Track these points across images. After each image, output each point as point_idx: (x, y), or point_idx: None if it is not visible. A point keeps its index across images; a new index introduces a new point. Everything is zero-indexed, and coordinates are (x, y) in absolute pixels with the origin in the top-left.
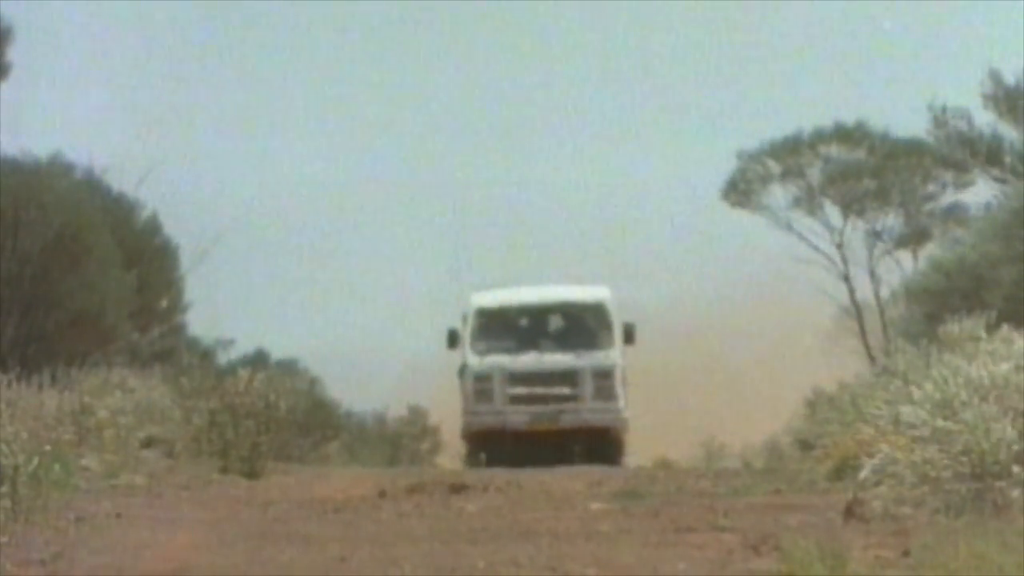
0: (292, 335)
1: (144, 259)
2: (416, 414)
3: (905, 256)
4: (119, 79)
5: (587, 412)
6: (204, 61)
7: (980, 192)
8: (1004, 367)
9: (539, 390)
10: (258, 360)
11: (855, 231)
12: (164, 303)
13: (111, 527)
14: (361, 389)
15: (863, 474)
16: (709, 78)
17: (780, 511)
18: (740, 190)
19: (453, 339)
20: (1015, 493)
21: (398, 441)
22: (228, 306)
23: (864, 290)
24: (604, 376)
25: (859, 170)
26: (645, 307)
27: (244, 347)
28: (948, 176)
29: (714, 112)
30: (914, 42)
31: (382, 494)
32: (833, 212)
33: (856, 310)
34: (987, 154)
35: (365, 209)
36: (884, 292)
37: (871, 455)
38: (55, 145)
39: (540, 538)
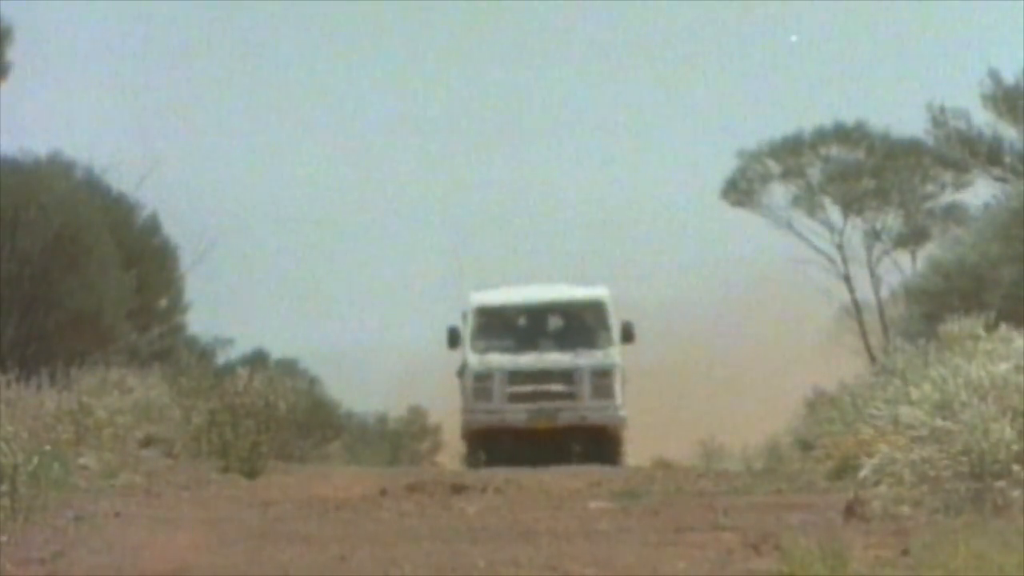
0: (291, 335)
1: (143, 259)
2: (416, 414)
3: (905, 256)
4: (119, 79)
5: (585, 410)
6: (204, 61)
7: (979, 192)
8: (1003, 366)
9: (538, 388)
10: (257, 360)
11: (855, 231)
12: (163, 303)
13: (110, 526)
14: (361, 389)
15: (863, 474)
16: (709, 78)
17: (780, 510)
18: (740, 190)
19: (453, 338)
20: (1014, 493)
21: (398, 441)
22: (227, 306)
23: (864, 290)
24: (603, 375)
25: (859, 170)
26: (645, 307)
27: (243, 347)
28: (947, 176)
29: (714, 112)
30: (914, 42)
31: (382, 493)
32: (833, 212)
33: (856, 310)
34: (986, 154)
35: (365, 209)
36: (884, 292)
37: (871, 455)
38: (55, 145)
39: (540, 537)
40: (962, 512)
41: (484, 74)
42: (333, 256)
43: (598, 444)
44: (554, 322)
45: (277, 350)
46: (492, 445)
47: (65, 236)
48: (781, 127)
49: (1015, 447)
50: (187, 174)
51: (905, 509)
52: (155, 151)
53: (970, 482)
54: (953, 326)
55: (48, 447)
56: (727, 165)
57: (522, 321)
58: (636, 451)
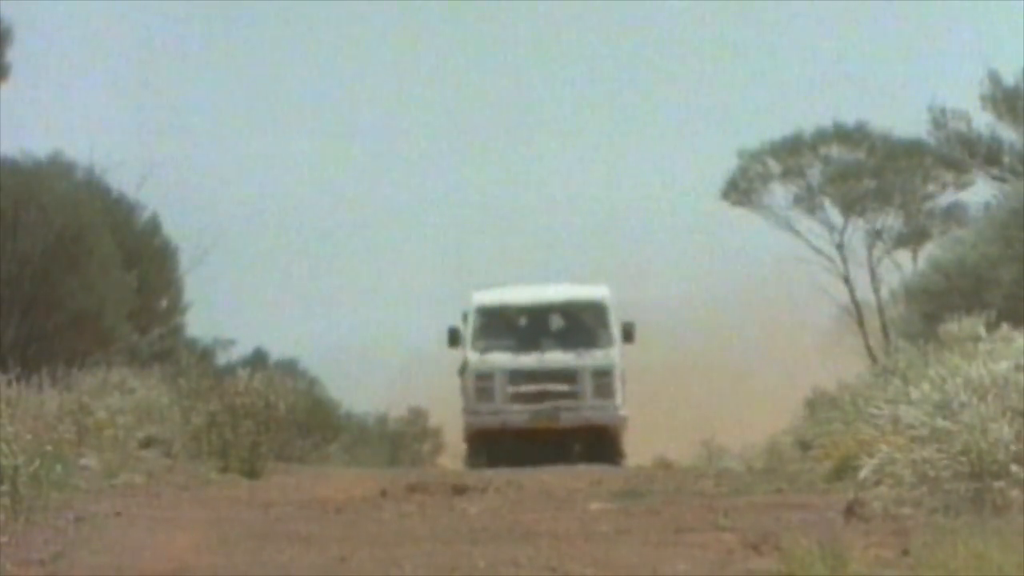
0: (291, 335)
1: (144, 260)
2: (416, 415)
3: (905, 256)
4: (119, 79)
5: (586, 410)
6: (204, 61)
7: (979, 192)
8: (1003, 366)
9: (539, 388)
10: (257, 360)
11: (855, 231)
12: (164, 303)
13: (111, 527)
14: (361, 389)
15: (863, 474)
16: (709, 78)
17: (780, 510)
18: (740, 189)
19: (454, 338)
20: (1014, 493)
21: (399, 441)
22: (227, 306)
23: (864, 290)
24: (603, 375)
25: (859, 170)
26: (645, 307)
27: (243, 347)
28: (948, 176)
29: (714, 112)
30: (914, 42)
31: (383, 494)
32: (833, 212)
33: (856, 310)
34: (986, 154)
35: (365, 209)
36: (884, 292)
37: (871, 455)
38: (55, 145)
39: (540, 538)
40: (962, 512)
41: (484, 74)
42: (333, 256)
43: (599, 444)
44: (555, 322)
45: (277, 350)
46: (493, 444)
47: (66, 237)
48: (781, 127)
49: (1014, 447)
50: (187, 174)
51: (905, 509)
52: (155, 151)
53: (969, 482)
54: (953, 326)
55: (49, 448)
56: (727, 165)
57: (523, 321)
58: (637, 451)
